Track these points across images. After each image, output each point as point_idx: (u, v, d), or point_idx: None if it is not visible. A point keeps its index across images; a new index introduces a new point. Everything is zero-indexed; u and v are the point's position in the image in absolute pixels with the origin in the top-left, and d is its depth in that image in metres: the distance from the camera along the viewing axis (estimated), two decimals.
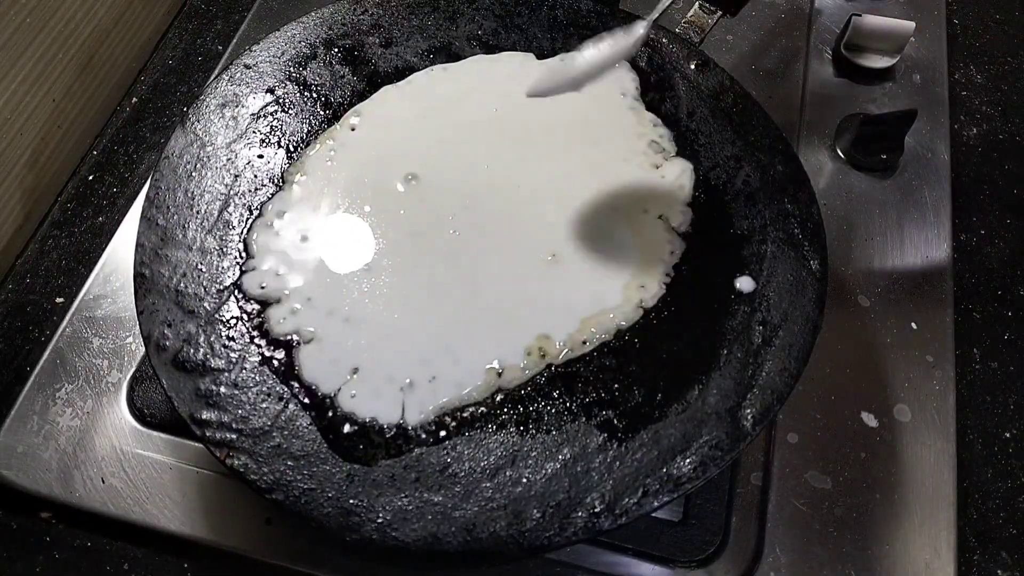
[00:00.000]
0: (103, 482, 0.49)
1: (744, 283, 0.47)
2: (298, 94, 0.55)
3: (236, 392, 0.43)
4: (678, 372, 0.44)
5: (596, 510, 0.40)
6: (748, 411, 0.42)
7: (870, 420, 0.51)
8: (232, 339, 0.45)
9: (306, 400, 0.43)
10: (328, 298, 0.46)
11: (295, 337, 0.45)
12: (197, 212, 0.49)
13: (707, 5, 0.58)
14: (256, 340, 0.45)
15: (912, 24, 0.64)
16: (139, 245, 0.47)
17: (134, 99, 0.69)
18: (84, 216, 0.62)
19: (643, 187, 0.50)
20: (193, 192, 0.50)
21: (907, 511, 0.48)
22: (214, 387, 0.43)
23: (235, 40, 0.70)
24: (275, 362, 0.44)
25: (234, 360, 0.44)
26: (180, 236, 0.48)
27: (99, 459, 0.50)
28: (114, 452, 0.50)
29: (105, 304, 0.56)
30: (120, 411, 0.51)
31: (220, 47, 0.71)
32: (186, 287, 0.46)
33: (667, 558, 0.47)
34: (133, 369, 0.53)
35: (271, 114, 0.54)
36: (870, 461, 0.50)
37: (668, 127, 0.53)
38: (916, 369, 0.53)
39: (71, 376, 0.53)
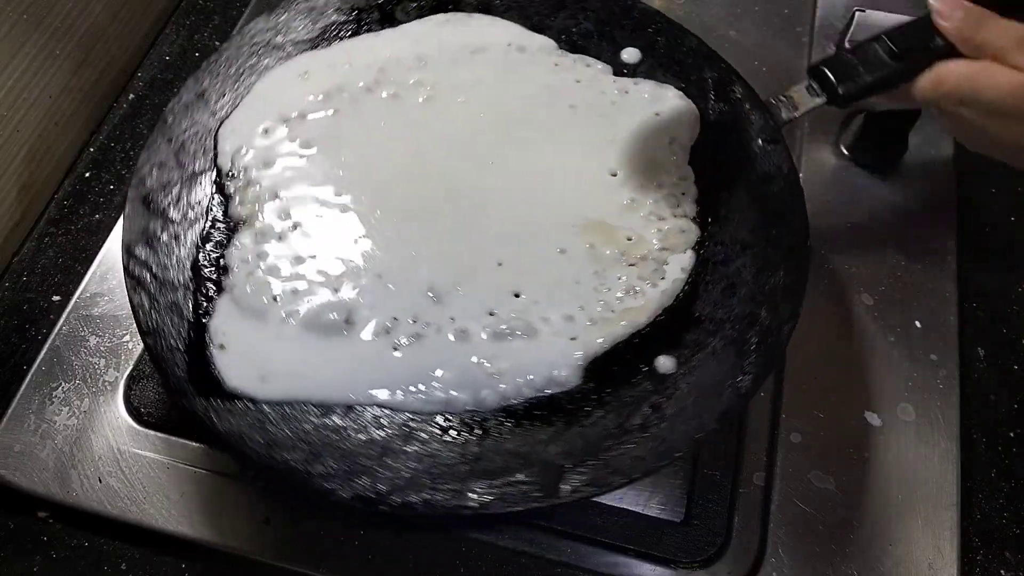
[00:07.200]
0: (100, 481, 0.49)
1: (664, 363, 0.45)
2: None
3: (172, 244, 0.47)
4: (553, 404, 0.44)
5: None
6: (576, 476, 0.40)
7: (873, 419, 0.51)
8: (198, 202, 0.49)
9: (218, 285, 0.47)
10: (290, 204, 0.49)
11: (242, 223, 0.49)
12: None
13: (815, 87, 0.50)
14: (214, 212, 0.49)
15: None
16: (170, 109, 0.52)
17: (131, 95, 0.68)
18: (81, 213, 0.62)
19: (633, 235, 0.49)
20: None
21: (910, 511, 0.48)
22: (159, 231, 0.48)
23: (232, 36, 0.70)
24: (213, 237, 0.49)
25: (189, 219, 0.48)
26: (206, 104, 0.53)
27: (96, 458, 0.50)
28: (111, 451, 0.50)
29: (102, 302, 0.55)
30: (117, 410, 0.51)
31: (217, 43, 0.71)
32: (191, 142, 0.51)
33: (669, 559, 0.46)
34: (130, 368, 0.53)
35: None
36: (873, 461, 0.49)
37: (698, 187, 0.51)
38: (920, 368, 0.53)
39: (68, 375, 0.52)
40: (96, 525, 0.48)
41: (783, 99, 0.51)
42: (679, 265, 0.48)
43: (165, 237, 0.47)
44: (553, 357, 0.44)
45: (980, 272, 0.58)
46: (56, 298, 0.57)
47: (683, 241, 0.49)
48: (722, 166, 0.51)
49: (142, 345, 0.53)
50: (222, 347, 0.44)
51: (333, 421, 0.43)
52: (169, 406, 0.51)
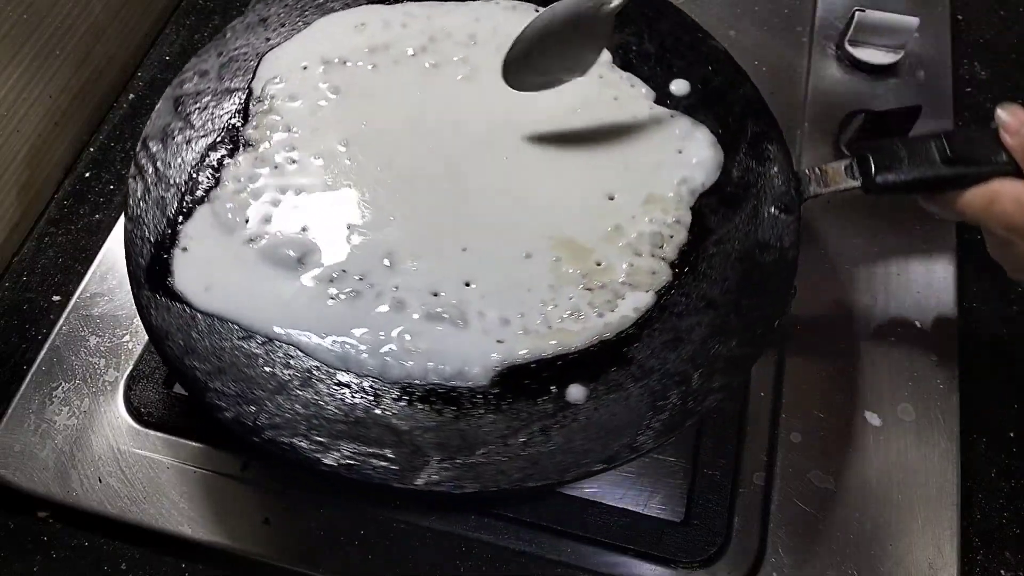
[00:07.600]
0: (100, 481, 0.49)
1: (574, 392, 0.43)
2: None
3: (184, 146, 0.50)
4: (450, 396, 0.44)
5: None
6: (437, 471, 0.40)
7: (873, 419, 0.51)
8: (219, 116, 0.52)
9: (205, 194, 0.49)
10: (297, 140, 0.51)
11: (248, 145, 0.51)
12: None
13: (854, 169, 0.47)
14: (229, 128, 0.51)
15: (916, 19, 0.64)
16: (231, 26, 0.56)
17: (131, 95, 0.68)
18: (81, 213, 0.62)
19: (604, 261, 0.47)
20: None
21: (910, 511, 0.48)
22: (176, 132, 0.51)
23: None
24: (218, 151, 0.50)
25: (206, 129, 0.51)
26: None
27: (96, 458, 0.50)
28: (111, 451, 0.50)
29: (102, 302, 0.55)
30: (117, 410, 0.51)
31: None
32: (237, 60, 0.54)
33: (669, 559, 0.46)
34: (130, 368, 0.53)
35: None
36: (873, 461, 0.49)
37: (690, 234, 0.48)
38: (920, 368, 0.53)
39: (68, 375, 0.52)
40: (96, 525, 0.48)
41: (816, 171, 0.49)
42: (634, 304, 0.46)
43: (180, 139, 0.50)
44: (472, 353, 0.44)
45: (980, 272, 0.58)
46: (56, 298, 0.57)
47: (649, 282, 0.47)
48: (723, 221, 0.49)
49: (142, 345, 0.53)
50: (184, 250, 0.47)
51: (250, 347, 0.44)
52: (169, 406, 0.51)
